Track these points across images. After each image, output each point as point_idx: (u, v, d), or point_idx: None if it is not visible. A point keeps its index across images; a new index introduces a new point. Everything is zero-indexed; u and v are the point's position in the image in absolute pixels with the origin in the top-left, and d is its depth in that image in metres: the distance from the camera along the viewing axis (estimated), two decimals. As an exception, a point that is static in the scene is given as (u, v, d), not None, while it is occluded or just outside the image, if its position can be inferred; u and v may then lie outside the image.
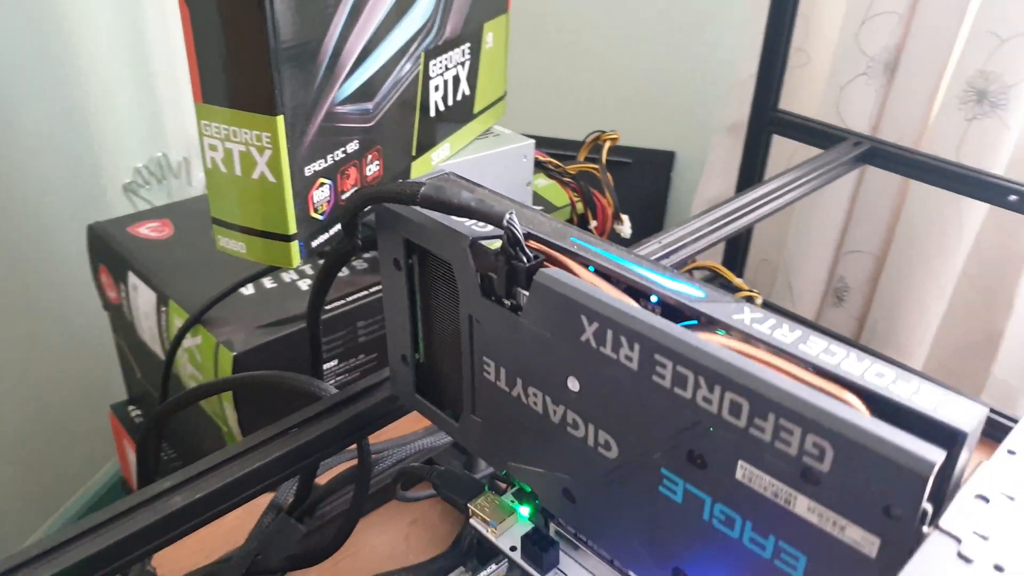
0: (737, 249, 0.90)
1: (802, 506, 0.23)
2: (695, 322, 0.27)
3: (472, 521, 0.35)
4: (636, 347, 0.26)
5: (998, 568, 0.20)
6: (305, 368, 0.50)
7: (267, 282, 0.66)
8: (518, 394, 0.31)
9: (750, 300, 0.49)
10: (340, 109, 0.46)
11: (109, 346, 0.86)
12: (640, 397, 0.26)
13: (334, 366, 0.64)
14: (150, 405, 0.82)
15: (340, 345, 0.64)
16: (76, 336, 1.15)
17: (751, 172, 0.84)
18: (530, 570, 0.33)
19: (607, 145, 0.73)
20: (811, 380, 0.23)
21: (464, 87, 0.63)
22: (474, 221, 0.32)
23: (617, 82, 1.33)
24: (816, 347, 0.24)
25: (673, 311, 0.27)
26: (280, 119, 0.40)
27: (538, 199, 0.83)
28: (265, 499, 0.51)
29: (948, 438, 0.21)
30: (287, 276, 0.67)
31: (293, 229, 0.44)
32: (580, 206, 0.72)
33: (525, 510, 0.35)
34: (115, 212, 1.03)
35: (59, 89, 1.10)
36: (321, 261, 0.44)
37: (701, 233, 0.58)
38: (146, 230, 0.76)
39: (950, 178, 0.69)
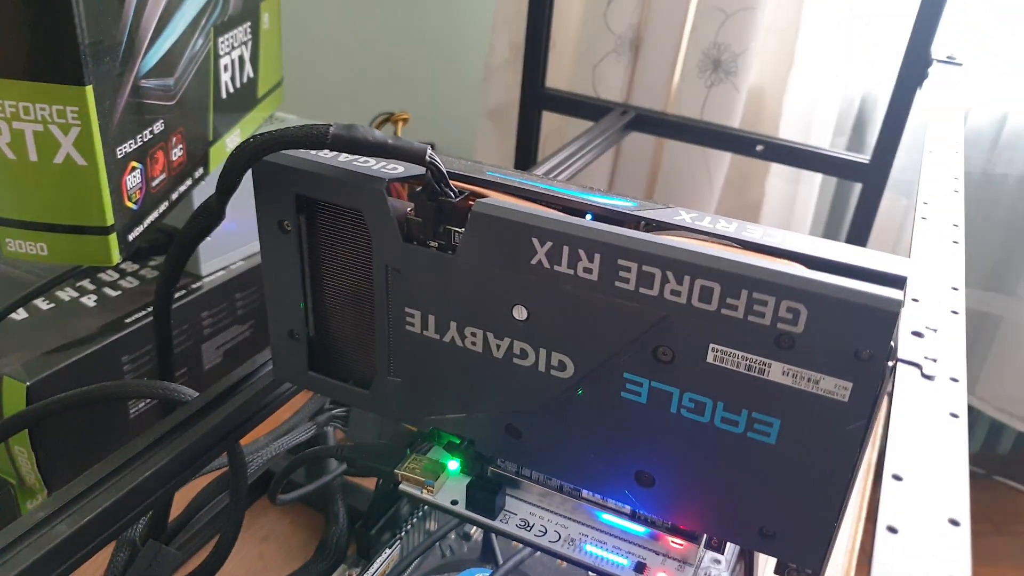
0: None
1: (776, 372, 0.25)
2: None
3: (403, 486, 0.34)
4: (596, 257, 0.26)
5: (953, 379, 0.23)
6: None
7: (41, 304, 0.58)
8: (451, 339, 0.31)
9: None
10: (144, 84, 0.42)
11: None
12: (600, 308, 0.27)
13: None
14: None
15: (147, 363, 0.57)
16: None
17: (527, 149, 0.88)
18: (479, 519, 0.33)
19: (400, 125, 0.73)
20: (768, 258, 0.25)
21: (248, 69, 0.60)
22: (381, 165, 0.30)
23: (368, 75, 1.32)
24: (756, 233, 0.27)
25: (614, 222, 0.28)
26: (89, 90, 0.35)
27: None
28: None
29: (896, 282, 0.24)
30: (65, 294, 0.59)
31: (111, 219, 0.39)
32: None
33: (454, 464, 0.34)
34: None
35: None
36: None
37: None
38: None
39: (708, 136, 0.78)
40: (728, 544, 0.32)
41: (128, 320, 0.55)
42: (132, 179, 0.42)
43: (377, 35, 1.27)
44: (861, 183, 0.73)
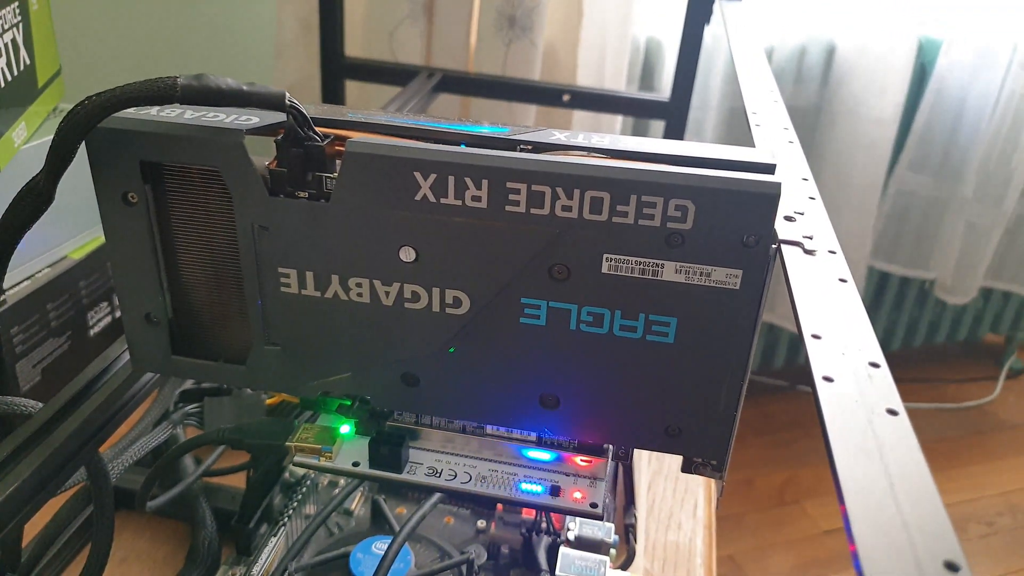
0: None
1: (669, 271, 0.26)
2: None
3: (299, 457, 0.32)
4: (484, 184, 0.26)
5: (831, 252, 0.26)
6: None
7: None
8: (334, 294, 0.29)
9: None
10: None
11: None
12: (491, 236, 0.27)
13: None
14: None
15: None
16: None
17: (334, 122, 0.85)
18: (387, 475, 0.32)
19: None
20: (646, 164, 0.26)
21: (24, 55, 0.54)
22: (233, 117, 0.28)
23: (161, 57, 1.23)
24: (630, 143, 0.28)
25: (492, 149, 0.28)
26: None
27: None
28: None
29: (768, 169, 0.26)
30: None
31: None
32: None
33: (346, 427, 0.33)
34: None
35: None
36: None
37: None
38: None
39: (517, 92, 0.80)
40: (631, 453, 0.33)
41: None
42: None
43: (158, 20, 1.17)
44: (664, 120, 0.77)
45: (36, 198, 0.29)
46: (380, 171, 0.27)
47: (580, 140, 0.28)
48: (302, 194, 0.28)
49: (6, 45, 0.51)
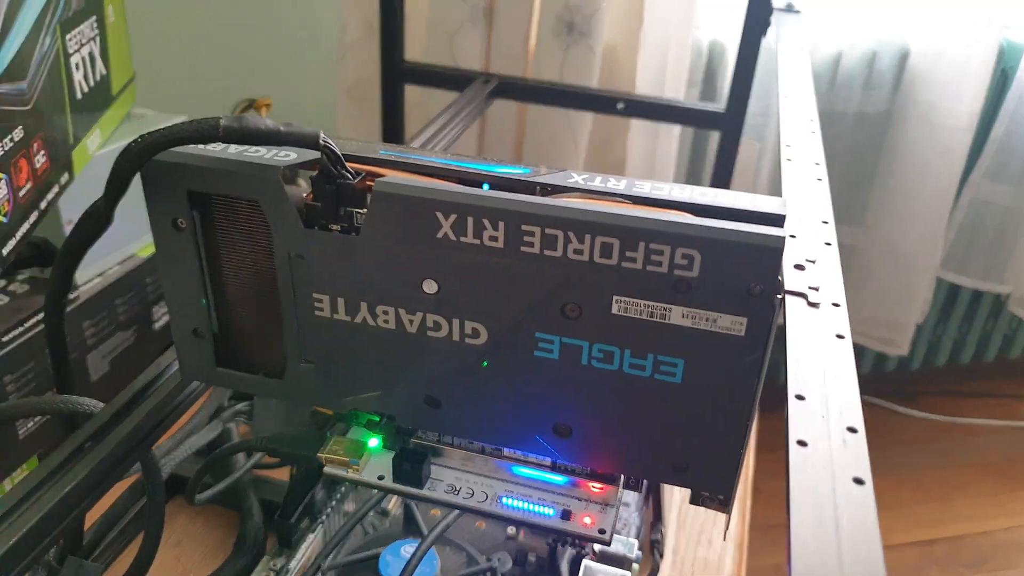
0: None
1: (676, 315, 0.27)
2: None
3: (328, 468, 0.34)
4: (501, 226, 0.27)
5: (835, 304, 0.26)
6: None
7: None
8: (363, 319, 0.31)
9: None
10: (-2, 90, 0.40)
11: None
12: (508, 273, 0.28)
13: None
14: None
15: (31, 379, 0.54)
16: None
17: (393, 124, 0.87)
18: (408, 490, 0.33)
19: (264, 111, 0.71)
20: (659, 211, 0.27)
21: (100, 66, 0.58)
22: (273, 152, 0.30)
23: (228, 58, 1.27)
24: (645, 187, 0.29)
25: (512, 190, 0.29)
26: None
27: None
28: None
29: (777, 220, 0.26)
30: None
31: None
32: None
33: (375, 441, 0.35)
34: None
35: None
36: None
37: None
38: None
39: (572, 98, 0.80)
40: (643, 483, 0.34)
41: (5, 339, 0.52)
42: (-1, 191, 0.40)
43: (225, 20, 1.22)
44: (719, 131, 0.77)
45: (97, 220, 0.32)
46: (405, 210, 0.28)
47: (597, 184, 0.29)
48: (335, 227, 0.30)
49: (84, 58, 0.54)
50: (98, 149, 0.57)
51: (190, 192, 0.31)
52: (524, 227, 0.27)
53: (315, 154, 0.30)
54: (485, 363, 0.30)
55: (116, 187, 0.30)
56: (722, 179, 0.80)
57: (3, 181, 0.40)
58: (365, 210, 0.29)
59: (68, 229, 0.49)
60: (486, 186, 0.30)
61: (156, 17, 1.16)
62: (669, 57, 0.99)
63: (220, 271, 0.33)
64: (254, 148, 0.31)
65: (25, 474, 0.53)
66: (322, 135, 0.29)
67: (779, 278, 0.26)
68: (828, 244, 0.29)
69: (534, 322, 0.29)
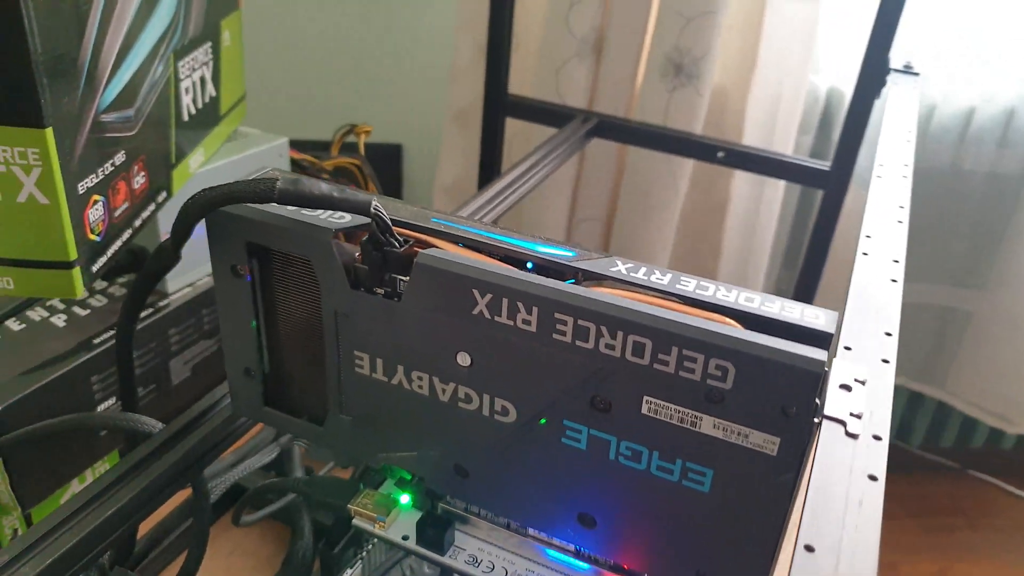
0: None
1: (707, 425, 0.26)
2: (572, 280, 0.29)
3: (356, 521, 0.35)
4: (534, 310, 0.27)
5: (876, 437, 0.24)
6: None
7: (12, 324, 0.58)
8: (399, 382, 0.31)
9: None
10: (105, 118, 0.42)
11: None
12: (539, 357, 0.28)
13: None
14: None
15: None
16: None
17: (491, 156, 0.88)
18: (429, 555, 0.33)
19: (363, 137, 0.73)
20: (698, 313, 0.26)
21: (210, 88, 0.60)
22: (329, 214, 0.31)
23: (335, 80, 1.32)
24: (690, 285, 0.28)
25: (553, 273, 0.29)
26: (50, 132, 0.37)
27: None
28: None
29: (822, 340, 0.25)
30: (35, 314, 0.59)
31: (75, 254, 0.40)
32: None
33: (406, 498, 0.35)
34: None
35: None
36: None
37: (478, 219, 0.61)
38: None
39: (670, 143, 0.79)
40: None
41: (97, 340, 0.55)
42: (94, 212, 0.42)
43: (340, 37, 1.26)
44: (822, 190, 0.74)
45: (166, 258, 0.34)
46: (443, 283, 0.28)
47: (640, 276, 0.28)
48: (379, 291, 0.30)
49: (194, 84, 0.57)
50: (200, 167, 0.59)
51: (248, 243, 0.32)
52: (557, 315, 0.27)
53: (368, 218, 0.30)
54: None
55: (180, 233, 0.31)
56: (822, 238, 0.77)
57: (101, 203, 0.43)
58: (408, 278, 0.29)
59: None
60: (530, 265, 0.29)
61: (266, 26, 1.21)
62: (781, 103, 0.96)
63: (273, 317, 0.34)
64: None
65: (107, 467, 0.56)
66: (374, 202, 0.29)
67: (817, 402, 0.24)
68: (886, 361, 0.27)
69: (562, 409, 0.29)
